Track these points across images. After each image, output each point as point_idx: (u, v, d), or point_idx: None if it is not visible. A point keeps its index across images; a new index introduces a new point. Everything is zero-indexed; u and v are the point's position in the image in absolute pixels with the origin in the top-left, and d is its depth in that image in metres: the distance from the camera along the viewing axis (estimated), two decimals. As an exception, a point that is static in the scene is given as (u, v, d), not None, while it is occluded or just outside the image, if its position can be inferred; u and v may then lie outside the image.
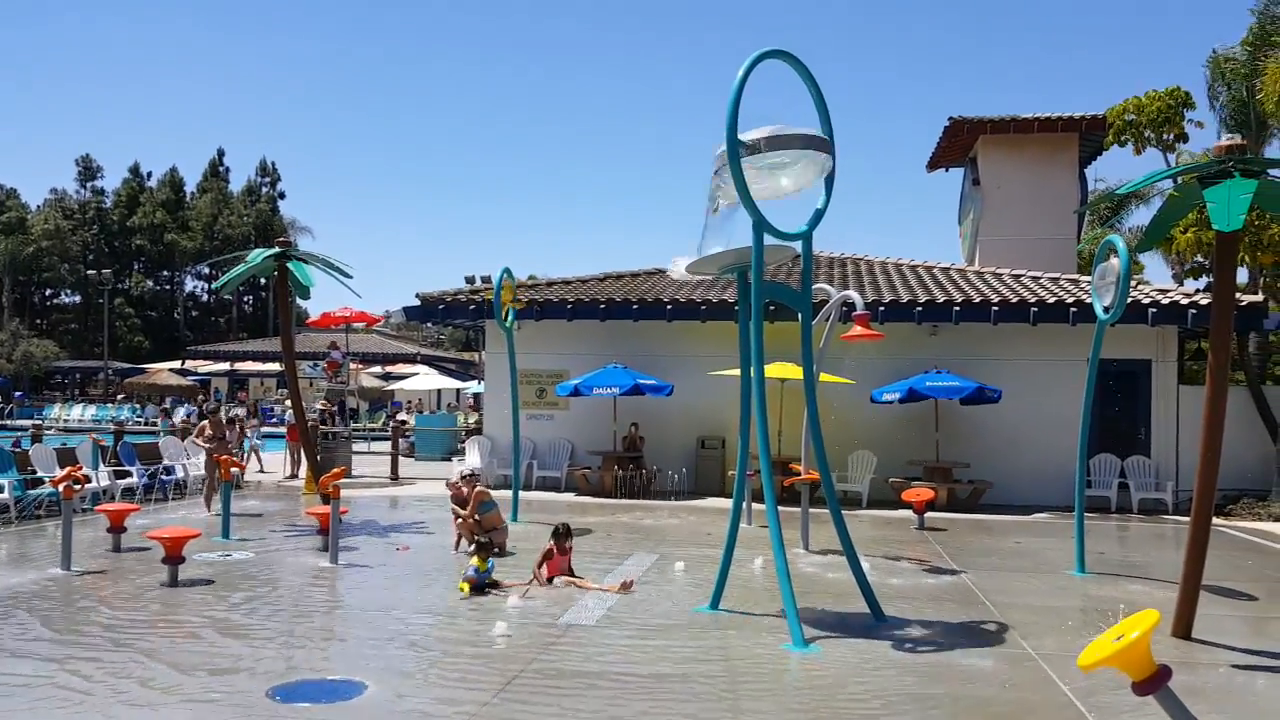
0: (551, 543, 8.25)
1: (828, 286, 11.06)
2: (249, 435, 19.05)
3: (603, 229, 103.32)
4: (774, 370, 13.21)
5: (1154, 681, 2.99)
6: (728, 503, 12.56)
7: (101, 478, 13.34)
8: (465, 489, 9.66)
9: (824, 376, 11.62)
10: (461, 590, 7.55)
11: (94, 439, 14.61)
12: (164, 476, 14.29)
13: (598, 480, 15.79)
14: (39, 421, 28.58)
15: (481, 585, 7.54)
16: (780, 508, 6.95)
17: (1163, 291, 15.30)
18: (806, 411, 7.85)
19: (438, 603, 7.40)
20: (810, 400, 7.30)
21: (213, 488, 12.04)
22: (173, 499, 13.95)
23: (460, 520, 9.59)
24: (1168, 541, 11.69)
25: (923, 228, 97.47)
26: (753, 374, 6.76)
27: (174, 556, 8.02)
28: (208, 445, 12.03)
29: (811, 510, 10.43)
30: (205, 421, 12.31)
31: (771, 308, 13.63)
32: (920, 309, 14.90)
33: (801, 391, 7.62)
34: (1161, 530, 12.70)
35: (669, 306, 15.77)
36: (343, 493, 9.40)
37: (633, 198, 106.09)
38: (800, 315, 7.34)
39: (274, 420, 31.02)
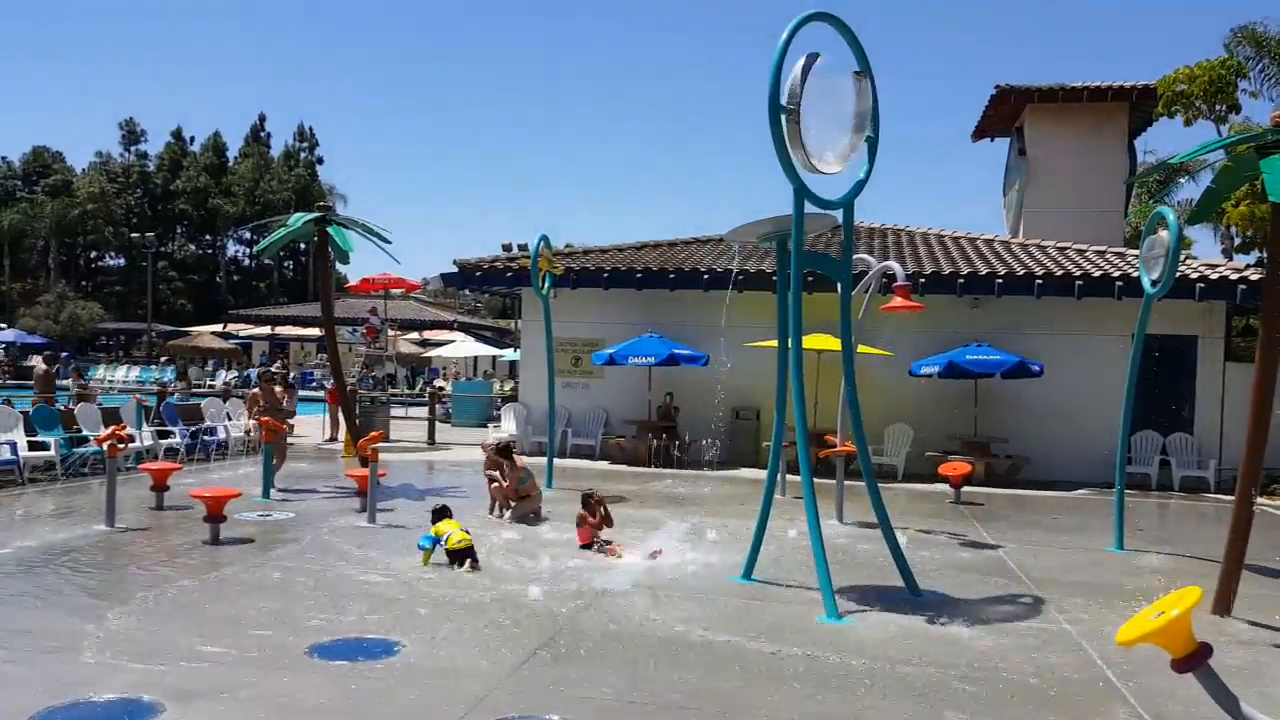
0: (580, 512, 8.33)
1: (868, 257, 10.90)
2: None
3: (640, 198, 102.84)
4: (811, 341, 13.12)
5: (1194, 659, 2.95)
6: (761, 473, 12.56)
7: (145, 437, 13.71)
8: (501, 460, 9.74)
9: (862, 348, 11.52)
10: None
11: (138, 399, 15.01)
12: (206, 437, 14.64)
13: (632, 449, 15.84)
14: (83, 382, 29.43)
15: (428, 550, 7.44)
16: (816, 479, 6.93)
17: (1212, 266, 14.88)
18: (844, 383, 7.78)
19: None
20: (848, 372, 7.22)
21: (278, 461, 11.30)
22: (214, 459, 14.29)
23: (495, 486, 9.70)
24: (1209, 520, 11.47)
25: (967, 199, 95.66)
26: (790, 345, 6.70)
27: (215, 515, 8.21)
28: (258, 418, 11.18)
29: (847, 483, 10.39)
30: (256, 390, 11.62)
31: (810, 278, 13.47)
32: (962, 281, 14.67)
33: (839, 363, 7.55)
34: (1203, 508, 12.47)
35: (705, 276, 15.69)
36: (381, 456, 9.53)
37: (671, 167, 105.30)
38: (839, 286, 7.25)
39: (313, 384, 31.51)
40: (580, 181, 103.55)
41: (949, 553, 8.73)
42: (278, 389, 11.80)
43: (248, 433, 11.68)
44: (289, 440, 11.66)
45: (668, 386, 16.11)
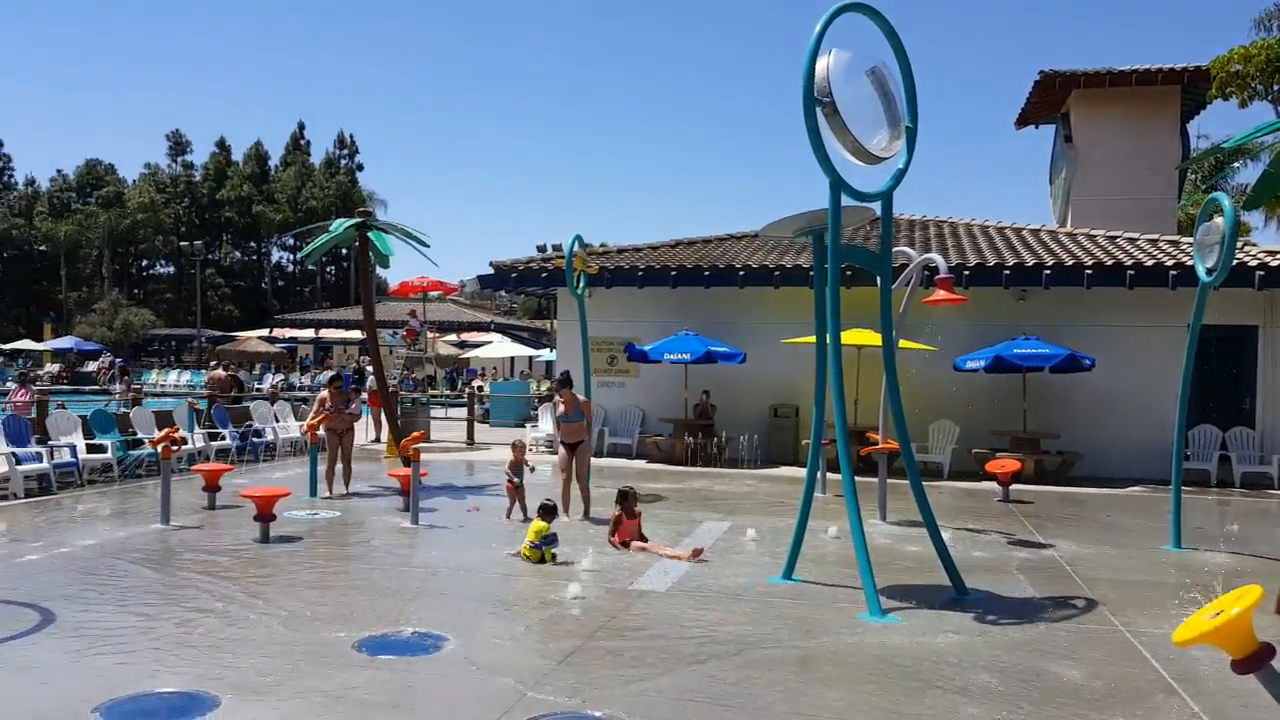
0: (619, 509, 8.34)
1: (909, 249, 10.78)
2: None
3: (674, 197, 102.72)
4: (851, 337, 13.00)
5: (1255, 660, 2.86)
6: (801, 472, 12.49)
7: (197, 439, 14.06)
8: (520, 454, 9.81)
9: (904, 343, 11.38)
10: (525, 554, 7.69)
11: (190, 403, 15.39)
12: (254, 439, 14.96)
13: (669, 448, 15.84)
14: (137, 386, 30.21)
15: (541, 550, 7.64)
16: (857, 478, 6.86)
17: (1271, 253, 14.43)
18: (885, 379, 7.71)
19: (513, 563, 7.58)
20: (889, 368, 7.14)
21: (330, 468, 11.06)
22: (263, 460, 14.60)
23: (512, 486, 9.75)
24: (1272, 516, 11.13)
25: (1011, 188, 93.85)
26: (829, 339, 6.65)
27: (265, 514, 8.39)
28: (318, 419, 11.02)
29: (890, 481, 10.29)
30: (324, 392, 11.44)
31: (849, 272, 13.38)
32: (1008, 272, 14.41)
33: (880, 359, 7.47)
34: (1265, 505, 12.09)
35: (741, 272, 15.65)
36: (422, 456, 9.66)
37: (705, 165, 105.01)
38: (879, 280, 7.17)
39: (351, 386, 32.05)
40: (614, 181, 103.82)
41: (997, 551, 8.59)
42: (345, 391, 11.79)
43: (305, 433, 11.81)
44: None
45: (704, 384, 16.09)
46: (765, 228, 7.36)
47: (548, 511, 7.86)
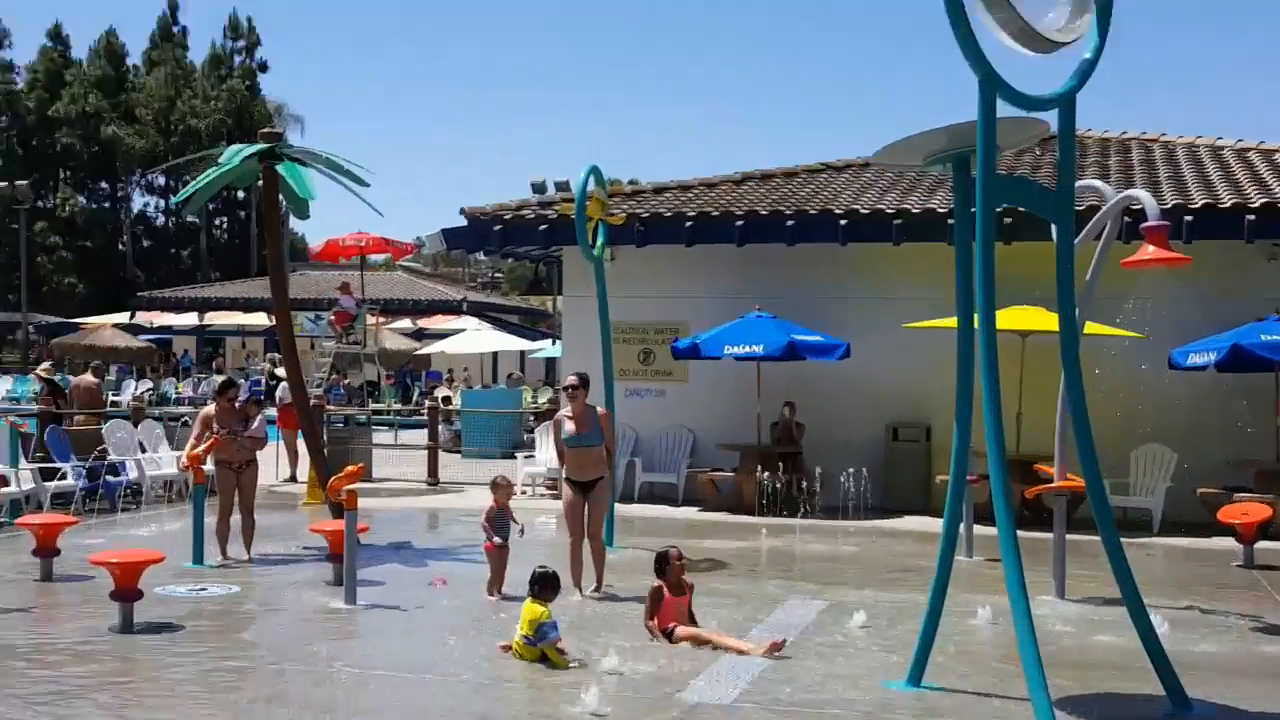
0: (659, 580, 8.36)
1: (1100, 184, 10.66)
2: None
3: (738, 112, 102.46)
4: (1011, 318, 12.86)
5: None
6: (934, 524, 12.36)
7: (22, 478, 14.26)
8: (504, 500, 9.86)
9: (1092, 327, 11.26)
10: (517, 654, 7.72)
11: (12, 423, 15.63)
12: (110, 478, 15.19)
13: (732, 488, 15.84)
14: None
15: (539, 645, 7.63)
16: (1022, 532, 6.81)
17: None
18: (1063, 383, 7.60)
19: (501, 664, 7.63)
20: (1070, 365, 7.09)
21: (224, 521, 11.37)
22: (124, 509, 14.83)
23: (493, 548, 9.76)
24: None
25: (1256, 88, 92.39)
26: (977, 322, 6.61)
27: (127, 590, 8.50)
28: (203, 447, 11.19)
29: (1071, 536, 10.23)
30: (211, 406, 11.67)
31: (1008, 219, 13.27)
32: (1253, 216, 14.24)
33: (1054, 352, 7.42)
34: None
35: (843, 221, 15.59)
36: (361, 503, 9.76)
37: (786, 64, 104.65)
38: (1055, 230, 7.12)
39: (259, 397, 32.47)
40: (647, 91, 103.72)
41: (1236, 643, 8.56)
42: (242, 405, 11.98)
43: (185, 469, 11.96)
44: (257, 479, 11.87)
45: (787, 393, 16.08)
46: (881, 152, 7.32)
47: (545, 586, 7.87)
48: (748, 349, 14.95)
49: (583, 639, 8.05)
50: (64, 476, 14.62)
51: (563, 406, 10.26)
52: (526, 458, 18.47)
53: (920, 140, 7.10)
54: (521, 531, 9.92)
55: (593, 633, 8.38)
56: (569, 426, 9.94)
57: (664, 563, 8.38)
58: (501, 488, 9.86)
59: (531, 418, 24.65)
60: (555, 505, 15.45)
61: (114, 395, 37.13)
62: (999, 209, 6.72)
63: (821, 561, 12.19)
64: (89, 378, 20.27)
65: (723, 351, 15.06)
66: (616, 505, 12.80)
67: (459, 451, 23.40)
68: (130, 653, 7.94)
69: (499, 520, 9.75)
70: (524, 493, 16.36)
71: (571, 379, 10.18)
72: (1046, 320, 12.84)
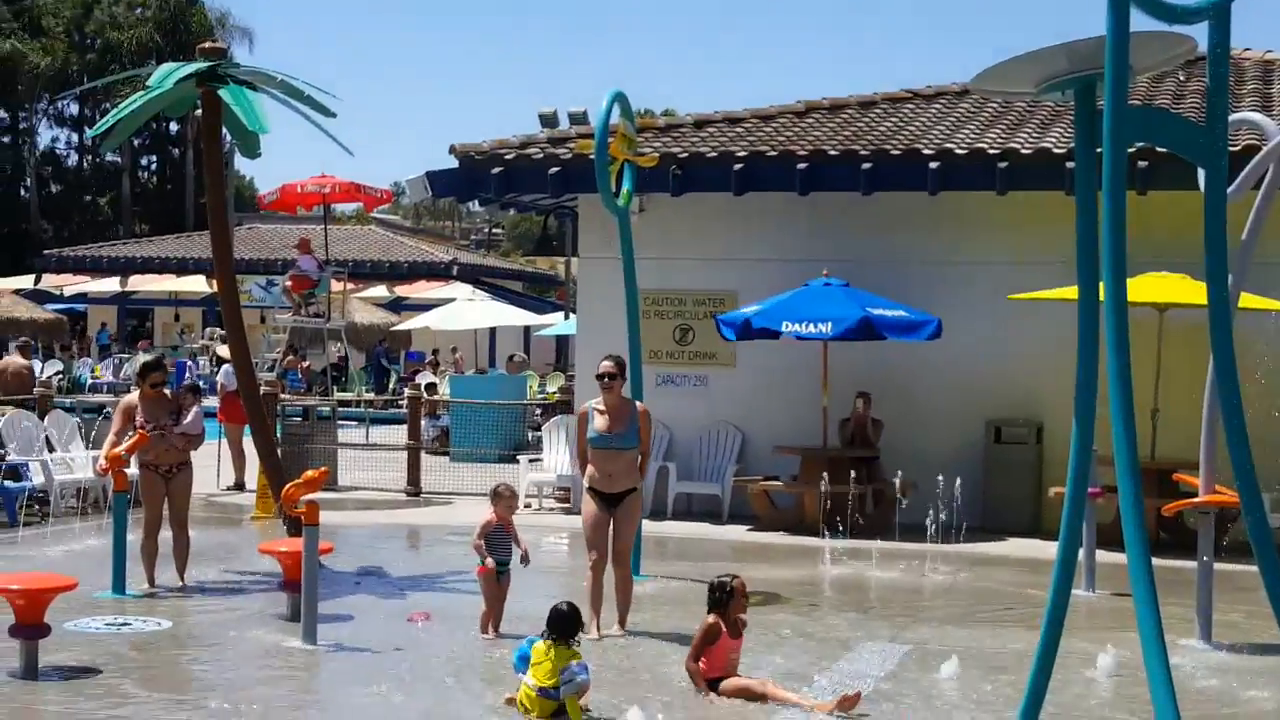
0: (713, 615, 8.32)
1: (1260, 118, 10.55)
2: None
3: (795, 37, 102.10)
4: (1147, 288, 12.77)
5: None
6: (1047, 548, 12.28)
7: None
8: (505, 512, 9.85)
9: (1249, 300, 11.18)
10: (524, 708, 7.73)
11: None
12: (8, 483, 15.32)
13: (792, 502, 15.87)
14: None
15: (558, 698, 7.65)
16: (1157, 560, 6.78)
17: None
18: (1212, 371, 7.53)
19: (497, 721, 7.67)
20: (1221, 349, 7.04)
21: (151, 537, 11.47)
22: (26, 523, 14.94)
23: (487, 576, 9.77)
24: None
25: None
26: (1103, 293, 6.58)
27: (30, 625, 8.54)
28: (125, 446, 11.28)
29: (1221, 566, 10.19)
30: (134, 393, 11.75)
31: (1143, 161, 13.13)
32: None
33: (1201, 331, 7.36)
34: None
35: (934, 164, 15.56)
36: (323, 516, 9.81)
37: None
38: (1203, 176, 7.06)
39: (194, 384, 32.69)
40: (683, 4, 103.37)
41: None
42: (173, 393, 12.07)
43: (103, 473, 11.98)
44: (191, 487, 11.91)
45: (861, 382, 16.07)
46: (984, 76, 7.27)
47: (561, 625, 7.86)
48: (812, 326, 14.89)
49: (602, 690, 8.05)
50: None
51: (595, 399, 10.18)
52: (532, 461, 18.50)
53: (1033, 61, 7.04)
54: (525, 558, 9.88)
55: (614, 683, 8.40)
56: (599, 422, 9.94)
57: (726, 595, 8.30)
58: (503, 498, 9.85)
59: (538, 411, 24.69)
60: (566, 521, 15.58)
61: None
62: (1132, 149, 6.66)
63: (903, 595, 12.16)
64: (17, 359, 20.42)
65: (781, 329, 15.03)
66: (644, 522, 12.82)
67: (446, 453, 23.40)
68: (34, 703, 8.00)
69: (497, 539, 9.77)
70: (528, 505, 16.39)
71: (608, 364, 10.14)
72: (1191, 291, 12.74)
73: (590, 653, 8.44)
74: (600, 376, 10.14)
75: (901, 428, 16.00)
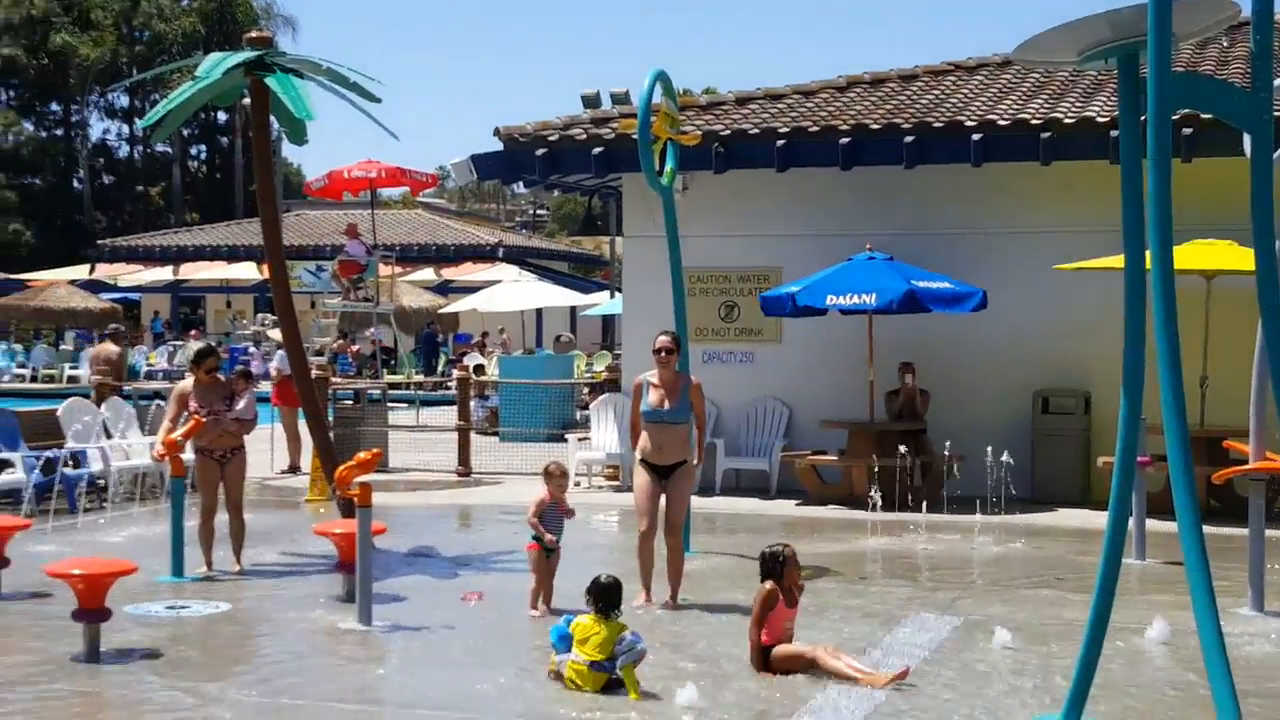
0: (769, 583, 8.26)
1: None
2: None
3: (835, 9, 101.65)
4: (1193, 255, 12.64)
5: None
6: (1096, 518, 12.26)
7: (-32, 472, 14.60)
8: (559, 492, 9.87)
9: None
10: (574, 680, 7.75)
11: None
12: (68, 470, 15.47)
13: (840, 476, 15.92)
14: None
15: (612, 670, 7.66)
16: (1208, 528, 6.73)
17: None
18: (1261, 337, 7.46)
19: (555, 697, 7.69)
20: (1270, 315, 6.97)
21: (208, 522, 11.55)
22: (86, 508, 15.13)
23: (538, 554, 9.80)
24: None
25: None
26: (1150, 262, 6.51)
27: (92, 609, 8.62)
28: (181, 431, 11.38)
29: (1272, 532, 10.13)
30: (189, 380, 11.78)
31: (1188, 129, 13.00)
32: None
33: (1249, 297, 7.28)
34: None
35: (977, 136, 15.48)
36: (376, 498, 9.86)
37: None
38: (1249, 142, 7.00)
39: (247, 368, 32.94)
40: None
41: None
42: (226, 378, 12.11)
43: (159, 459, 12.06)
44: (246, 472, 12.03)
45: (906, 352, 16.03)
46: (1025, 46, 7.21)
47: (605, 596, 7.87)
48: (857, 299, 14.90)
49: (651, 664, 8.05)
50: (12, 468, 14.90)
51: (650, 372, 10.24)
52: (580, 440, 18.54)
53: (1074, 30, 6.98)
54: (569, 514, 9.93)
55: (662, 658, 8.40)
56: (653, 396, 10.04)
57: (778, 564, 8.26)
58: (554, 477, 9.90)
59: (585, 390, 24.75)
60: (616, 499, 15.63)
61: (70, 368, 37.88)
62: (1177, 115, 6.59)
63: (953, 568, 12.13)
64: (110, 346, 20.55)
65: (825, 303, 15.02)
66: (692, 498, 12.83)
67: (496, 433, 23.55)
68: (97, 687, 8.08)
69: (550, 516, 9.81)
70: (577, 484, 16.43)
71: (664, 339, 10.28)
72: (1238, 257, 12.63)
73: (639, 625, 8.46)
74: (657, 351, 10.25)
75: (948, 400, 16.00)
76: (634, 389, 10.43)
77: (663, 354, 10.15)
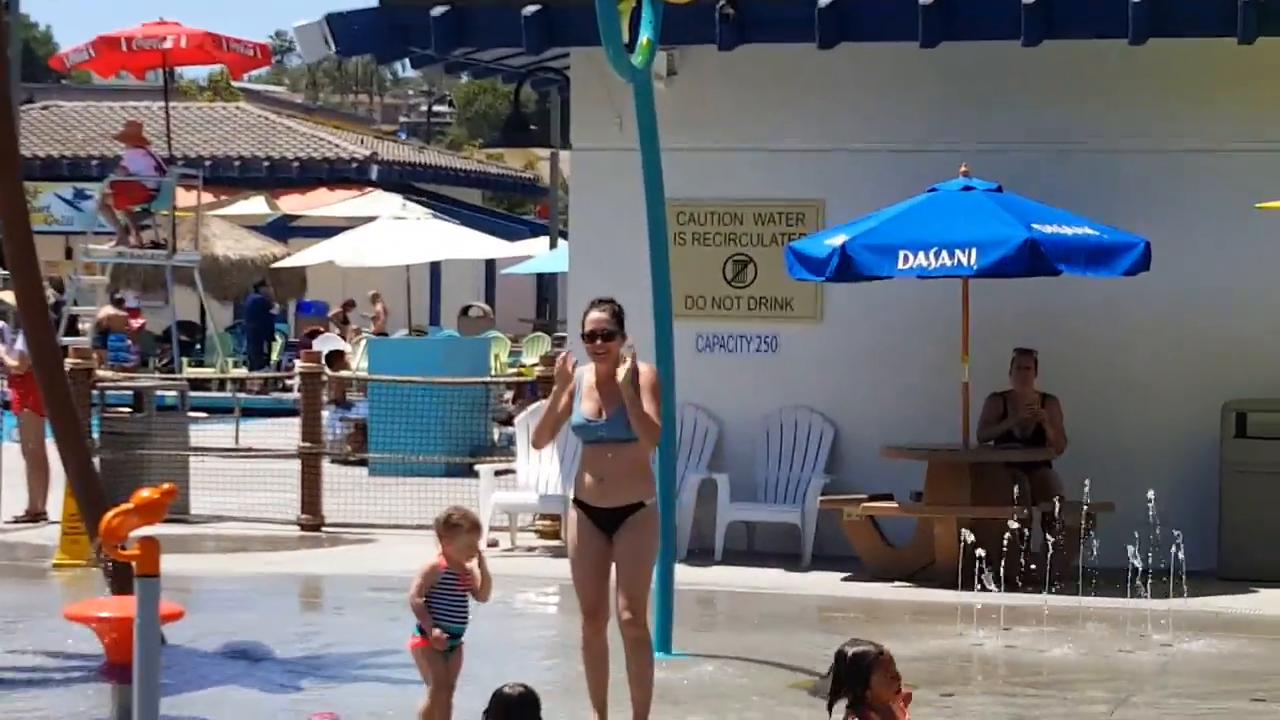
0: (843, 712, 8.03)
1: None
2: None
3: None
4: None
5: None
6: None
7: None
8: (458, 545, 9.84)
9: None
10: None
11: None
12: None
13: (913, 534, 16.00)
14: None
15: None
16: None
17: None
18: None
19: None
20: None
21: None
22: None
23: (419, 642, 9.79)
24: None
25: None
26: None
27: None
28: None
29: None
30: None
31: None
32: None
33: None
34: None
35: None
36: (168, 562, 9.80)
37: None
38: None
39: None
40: None
41: None
42: None
43: None
44: None
45: (1018, 341, 16.10)
46: None
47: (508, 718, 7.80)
48: (945, 257, 14.89)
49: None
50: None
51: (584, 362, 10.14)
52: (499, 475, 18.56)
53: None
54: (480, 592, 9.83)
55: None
56: (586, 406, 9.95)
57: (864, 670, 7.99)
58: (457, 532, 9.84)
59: (508, 395, 24.73)
60: (554, 568, 15.61)
61: None
62: None
63: (1094, 681, 12.14)
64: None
65: (895, 266, 15.04)
66: (677, 567, 12.82)
67: (363, 463, 23.51)
68: None
69: (447, 595, 9.77)
70: (494, 543, 16.45)
71: (598, 315, 9.98)
72: None
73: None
74: (589, 336, 10.02)
75: (1087, 415, 16.04)
76: (559, 371, 10.18)
77: (596, 340, 9.91)
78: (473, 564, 9.83)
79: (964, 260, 14.78)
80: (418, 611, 9.64)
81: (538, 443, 10.32)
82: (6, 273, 16.96)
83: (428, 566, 9.72)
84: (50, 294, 25.35)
